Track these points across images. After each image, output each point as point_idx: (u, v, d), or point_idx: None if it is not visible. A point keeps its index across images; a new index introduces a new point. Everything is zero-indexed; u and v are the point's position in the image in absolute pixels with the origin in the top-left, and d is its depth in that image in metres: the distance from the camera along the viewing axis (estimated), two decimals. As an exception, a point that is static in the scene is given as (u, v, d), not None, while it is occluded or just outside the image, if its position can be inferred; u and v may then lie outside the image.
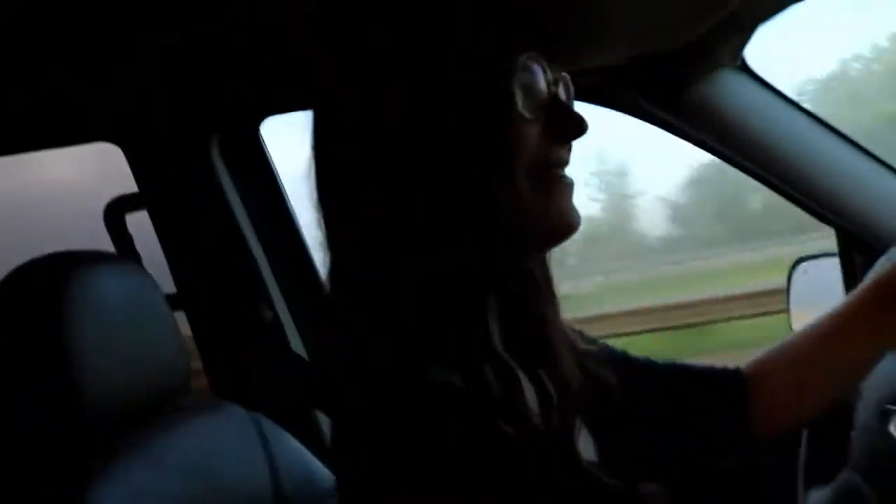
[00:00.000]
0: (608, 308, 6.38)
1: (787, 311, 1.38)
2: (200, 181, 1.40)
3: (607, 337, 0.88)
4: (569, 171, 0.66)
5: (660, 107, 1.20)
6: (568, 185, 0.65)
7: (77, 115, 1.20)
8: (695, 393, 0.83)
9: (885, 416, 0.86)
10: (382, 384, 0.59)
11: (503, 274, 0.67)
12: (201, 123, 1.36)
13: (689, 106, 1.18)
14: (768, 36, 1.13)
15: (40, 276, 0.91)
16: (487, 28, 0.61)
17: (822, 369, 0.81)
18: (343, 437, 0.62)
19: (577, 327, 0.80)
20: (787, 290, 1.38)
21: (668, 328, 6.11)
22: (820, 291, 1.37)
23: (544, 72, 0.63)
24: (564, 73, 0.66)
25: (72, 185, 2.24)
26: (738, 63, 1.17)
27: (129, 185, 1.43)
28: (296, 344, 1.46)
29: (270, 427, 1.07)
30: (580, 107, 0.68)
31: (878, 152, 1.19)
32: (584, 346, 0.77)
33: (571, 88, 0.68)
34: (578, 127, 0.65)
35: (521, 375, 0.64)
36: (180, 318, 1.38)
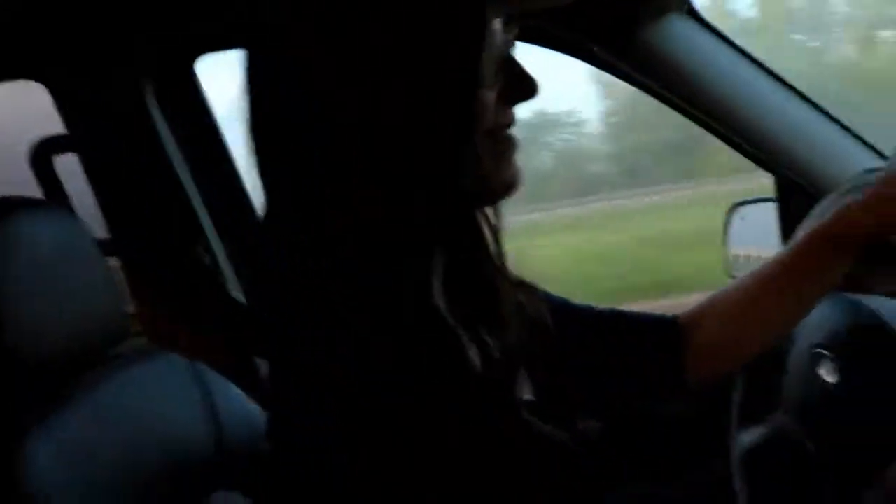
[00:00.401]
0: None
1: (723, 255, 1.40)
2: (132, 121, 1.35)
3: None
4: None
5: (608, 51, 1.20)
6: (515, 145, 0.66)
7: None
8: (630, 340, 0.84)
9: (814, 360, 0.89)
10: (317, 333, 0.59)
11: (449, 233, 0.66)
12: (131, 61, 1.31)
13: (637, 50, 1.18)
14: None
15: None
16: None
17: (757, 318, 0.82)
18: (277, 381, 0.63)
19: (521, 276, 0.80)
20: (724, 234, 1.40)
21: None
22: (756, 236, 1.40)
23: (501, 31, 0.63)
24: (514, 28, 0.65)
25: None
26: (686, 8, 1.16)
27: (56, 126, 1.37)
28: (233, 288, 1.44)
29: (209, 374, 1.06)
30: (529, 50, 0.68)
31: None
32: (525, 294, 0.78)
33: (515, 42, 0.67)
34: (533, 89, 0.65)
35: (464, 334, 0.64)
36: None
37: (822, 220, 0.77)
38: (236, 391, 1.09)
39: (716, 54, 1.18)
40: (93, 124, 1.36)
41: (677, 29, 1.17)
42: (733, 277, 1.29)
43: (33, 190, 1.39)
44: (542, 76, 0.66)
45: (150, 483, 0.91)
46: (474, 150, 0.61)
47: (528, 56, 0.67)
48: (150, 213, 1.40)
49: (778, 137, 1.19)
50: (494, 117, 0.63)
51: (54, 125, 1.38)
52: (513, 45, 0.66)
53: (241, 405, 1.08)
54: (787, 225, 1.32)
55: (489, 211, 0.66)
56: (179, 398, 1.01)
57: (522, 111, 0.67)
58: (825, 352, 0.88)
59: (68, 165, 1.40)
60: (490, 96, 0.63)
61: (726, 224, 1.41)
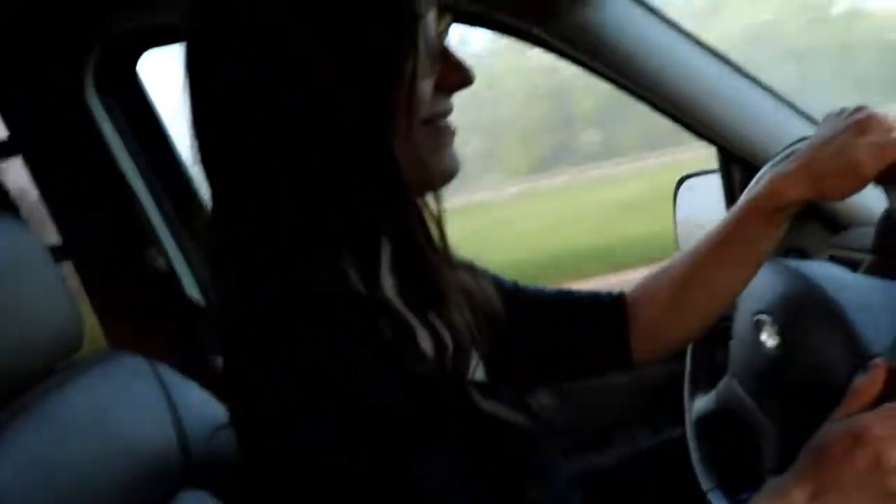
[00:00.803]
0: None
1: (673, 228, 1.43)
2: (76, 122, 1.33)
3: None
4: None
5: (548, 32, 1.21)
6: (452, 134, 0.67)
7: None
8: (577, 321, 0.86)
9: (757, 326, 0.92)
10: (274, 325, 0.60)
11: (394, 222, 0.67)
12: (71, 61, 1.29)
13: (576, 30, 1.19)
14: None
15: None
16: None
17: (702, 289, 0.84)
18: (233, 374, 0.63)
19: (467, 260, 0.82)
20: (673, 208, 1.43)
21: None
22: (704, 208, 1.43)
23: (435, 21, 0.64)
24: (447, 16, 0.66)
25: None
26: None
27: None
28: (191, 288, 1.43)
29: (171, 375, 1.05)
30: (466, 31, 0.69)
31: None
32: (472, 277, 0.79)
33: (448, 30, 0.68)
34: (468, 78, 0.66)
35: (415, 321, 0.65)
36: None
37: (755, 190, 0.80)
38: (200, 392, 1.08)
39: (652, 30, 1.19)
40: (35, 127, 1.33)
41: (614, 7, 1.18)
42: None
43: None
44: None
45: (115, 487, 0.89)
46: (411, 139, 0.62)
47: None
48: (101, 215, 1.38)
49: (716, 110, 1.21)
50: (431, 107, 0.64)
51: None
52: (447, 34, 0.67)
53: (205, 406, 1.07)
54: (731, 196, 1.35)
55: (430, 198, 0.68)
56: (140, 400, 0.99)
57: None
58: (765, 318, 0.91)
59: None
60: (427, 86, 0.64)
61: (675, 197, 1.43)
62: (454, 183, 0.68)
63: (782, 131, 1.19)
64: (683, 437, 1.12)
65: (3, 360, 0.87)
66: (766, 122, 1.21)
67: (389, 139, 0.61)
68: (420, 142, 0.63)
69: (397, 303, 0.67)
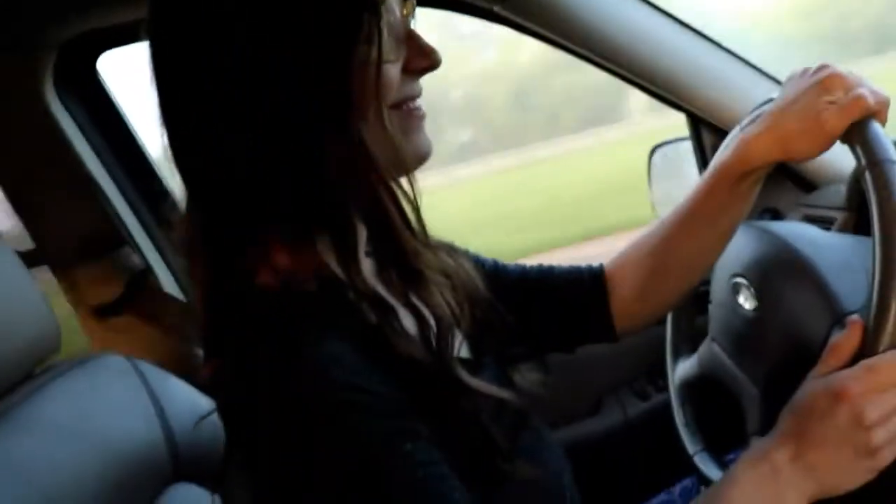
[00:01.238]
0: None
1: (650, 196, 1.43)
2: (38, 124, 1.31)
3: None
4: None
5: (509, 9, 1.20)
6: (422, 117, 0.67)
7: None
8: (558, 296, 0.87)
9: (735, 289, 0.92)
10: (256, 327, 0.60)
11: (369, 206, 0.67)
12: (31, 61, 1.27)
13: (537, 5, 1.19)
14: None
15: None
16: None
17: (679, 258, 0.85)
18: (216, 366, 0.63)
19: (446, 241, 0.82)
20: (648, 177, 1.43)
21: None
22: (678, 175, 1.43)
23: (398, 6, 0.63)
24: (411, 3, 0.66)
25: None
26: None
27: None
28: (168, 285, 1.42)
29: (153, 371, 1.05)
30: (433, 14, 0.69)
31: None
32: (452, 257, 0.79)
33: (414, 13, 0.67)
34: (435, 60, 0.66)
35: (396, 303, 0.65)
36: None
37: (723, 155, 0.80)
38: (184, 387, 1.08)
39: (613, 2, 1.19)
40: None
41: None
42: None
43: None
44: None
45: (105, 487, 0.89)
46: (381, 124, 0.62)
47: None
48: (72, 217, 1.36)
49: (683, 77, 1.21)
50: (400, 91, 0.64)
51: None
52: (412, 18, 0.67)
53: (189, 401, 1.07)
54: (703, 161, 1.36)
55: (404, 181, 0.68)
56: (123, 398, 0.99)
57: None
58: (742, 280, 0.91)
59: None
60: (394, 71, 0.63)
61: (649, 165, 1.44)
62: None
63: (749, 94, 1.19)
64: (669, 402, 1.12)
65: None
66: (732, 85, 1.21)
67: (356, 124, 0.60)
68: (391, 125, 0.63)
69: (378, 286, 0.67)
